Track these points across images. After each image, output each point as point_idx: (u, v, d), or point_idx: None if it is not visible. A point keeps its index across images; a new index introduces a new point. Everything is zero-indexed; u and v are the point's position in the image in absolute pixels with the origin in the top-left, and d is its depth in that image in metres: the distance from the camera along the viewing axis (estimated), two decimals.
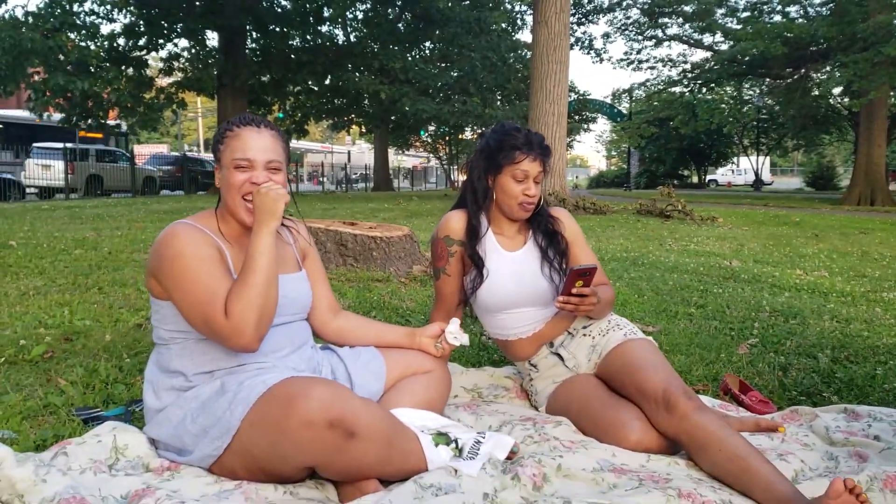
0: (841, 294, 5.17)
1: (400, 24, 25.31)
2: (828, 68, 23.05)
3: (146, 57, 21.55)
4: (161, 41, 21.26)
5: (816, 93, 25.86)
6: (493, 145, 2.43)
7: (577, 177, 57.61)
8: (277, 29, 22.49)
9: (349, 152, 45.12)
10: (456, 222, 2.48)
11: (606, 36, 43.41)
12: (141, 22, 20.58)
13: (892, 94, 22.47)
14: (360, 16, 25.16)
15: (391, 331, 2.35)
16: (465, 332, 2.35)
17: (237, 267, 1.94)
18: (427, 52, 27.33)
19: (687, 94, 28.07)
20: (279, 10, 22.64)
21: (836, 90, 24.90)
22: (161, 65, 22.54)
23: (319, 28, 23.72)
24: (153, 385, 1.96)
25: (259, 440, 1.71)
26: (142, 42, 20.96)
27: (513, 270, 2.47)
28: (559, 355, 2.50)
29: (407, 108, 23.78)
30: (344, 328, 2.29)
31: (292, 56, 23.09)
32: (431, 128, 31.85)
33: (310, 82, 24.13)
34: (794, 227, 11.58)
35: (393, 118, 27.87)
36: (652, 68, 30.10)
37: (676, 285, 5.17)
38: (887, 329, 4.04)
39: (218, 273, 1.85)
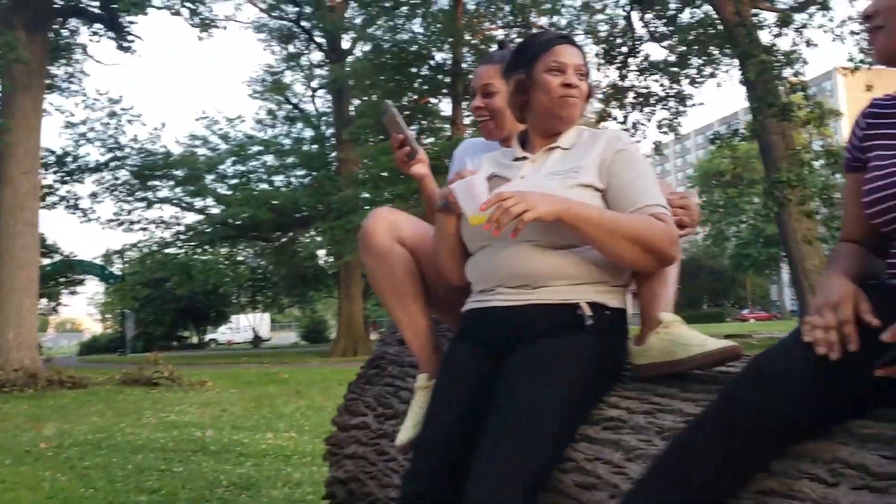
0: (302, 455, 5.33)
1: None
2: (311, 233, 25.43)
3: None
4: None
5: (303, 254, 28.21)
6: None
7: (60, 344, 52.90)
8: None
9: None
10: None
11: (94, 195, 41.47)
12: None
13: None
14: None
15: None
16: None
17: None
18: None
19: (182, 255, 28.17)
20: None
21: (320, 252, 27.49)
22: None
23: None
24: None
25: None
26: None
27: None
28: None
29: None
30: None
31: None
32: None
33: None
34: (280, 384, 11.98)
35: None
36: (144, 229, 29.36)
37: (137, 468, 4.80)
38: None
39: None
